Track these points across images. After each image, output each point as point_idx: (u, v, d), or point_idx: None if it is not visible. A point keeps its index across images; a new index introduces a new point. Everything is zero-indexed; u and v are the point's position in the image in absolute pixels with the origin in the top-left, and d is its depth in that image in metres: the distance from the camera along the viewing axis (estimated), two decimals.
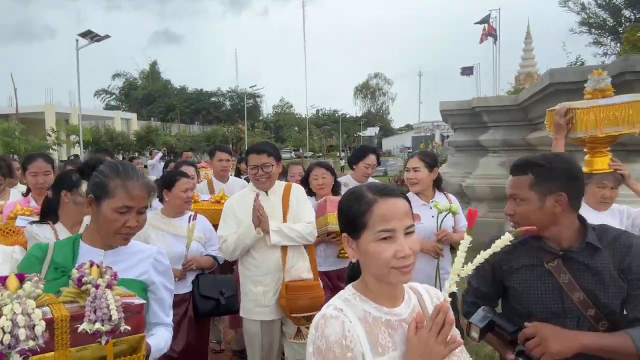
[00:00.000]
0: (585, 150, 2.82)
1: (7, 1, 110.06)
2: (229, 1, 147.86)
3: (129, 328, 1.35)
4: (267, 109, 72.34)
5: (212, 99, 61.77)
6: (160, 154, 14.94)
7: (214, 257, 3.27)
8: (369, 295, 1.29)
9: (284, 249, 2.92)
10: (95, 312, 1.30)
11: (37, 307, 1.26)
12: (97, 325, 1.29)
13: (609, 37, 19.87)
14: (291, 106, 73.53)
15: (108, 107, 56.34)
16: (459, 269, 1.27)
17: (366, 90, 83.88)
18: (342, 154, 58.51)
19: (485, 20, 28.03)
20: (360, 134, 62.85)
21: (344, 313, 1.23)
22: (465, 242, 1.30)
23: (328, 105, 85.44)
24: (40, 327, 1.22)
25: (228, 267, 3.76)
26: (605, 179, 2.86)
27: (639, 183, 3.02)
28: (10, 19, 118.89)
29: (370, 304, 1.27)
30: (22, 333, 1.19)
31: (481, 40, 27.85)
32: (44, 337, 1.23)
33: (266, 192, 2.99)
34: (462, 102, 9.24)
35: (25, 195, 3.41)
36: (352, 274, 1.37)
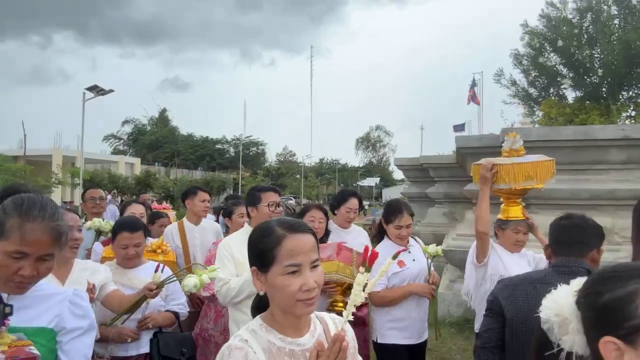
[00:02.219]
0: (501, 199, 3.26)
1: (26, 46, 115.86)
2: (239, 52, 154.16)
3: None
4: (271, 157, 74.33)
5: (217, 146, 63.80)
6: (109, 196, 13.70)
7: (175, 313, 2.98)
8: (275, 326, 1.35)
9: None
10: None
11: None
12: None
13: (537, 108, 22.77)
14: (294, 154, 75.57)
15: (116, 152, 58.35)
16: (356, 298, 1.39)
17: (367, 142, 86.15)
18: None
19: (472, 84, 29.94)
20: (359, 183, 64.21)
21: (248, 344, 1.30)
22: (362, 278, 1.42)
23: (331, 155, 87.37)
24: None
25: (188, 324, 3.56)
26: (519, 225, 3.18)
27: (541, 233, 3.36)
28: (28, 63, 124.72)
29: (275, 334, 1.34)
30: None
31: (468, 102, 29.68)
32: None
33: None
34: (412, 158, 10.41)
35: None
36: (260, 304, 1.43)
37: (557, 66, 20.47)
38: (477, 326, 3.31)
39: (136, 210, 3.95)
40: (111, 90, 18.15)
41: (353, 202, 3.92)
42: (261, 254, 1.33)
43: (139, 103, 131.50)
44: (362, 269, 1.48)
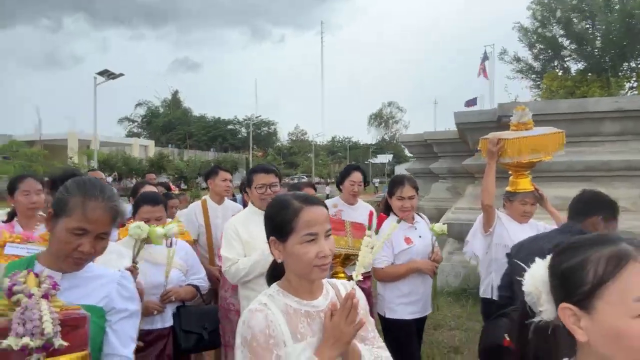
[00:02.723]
0: (510, 172, 3.33)
1: (38, 30, 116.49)
2: (249, 31, 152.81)
3: (65, 344, 1.19)
4: (282, 136, 74.49)
5: (229, 126, 64.14)
6: (109, 179, 13.80)
7: (196, 287, 3.03)
8: (291, 290, 1.46)
9: None
10: (24, 324, 1.15)
11: None
12: (25, 340, 1.14)
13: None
14: (305, 133, 75.62)
15: (130, 134, 59.02)
16: (364, 259, 1.53)
17: (380, 119, 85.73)
18: None
19: (484, 58, 29.49)
20: (371, 160, 64.15)
21: (267, 307, 1.41)
22: (370, 240, 1.57)
23: (343, 133, 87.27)
24: None
25: (210, 296, 3.64)
26: (527, 196, 3.27)
27: (550, 205, 3.48)
28: (40, 48, 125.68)
29: (292, 297, 1.45)
30: None
31: (478, 74, 29.32)
32: None
33: None
34: (416, 134, 10.52)
35: (7, 221, 3.06)
36: (275, 273, 1.55)
37: (559, 38, 20.17)
38: (482, 290, 3.49)
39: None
40: (121, 74, 18.44)
41: (356, 176, 3.95)
42: (280, 225, 1.44)
43: (151, 85, 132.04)
44: (369, 231, 1.57)
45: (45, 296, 1.22)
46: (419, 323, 3.33)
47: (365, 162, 65.65)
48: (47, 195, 3.69)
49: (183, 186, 23.19)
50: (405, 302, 3.20)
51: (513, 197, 3.30)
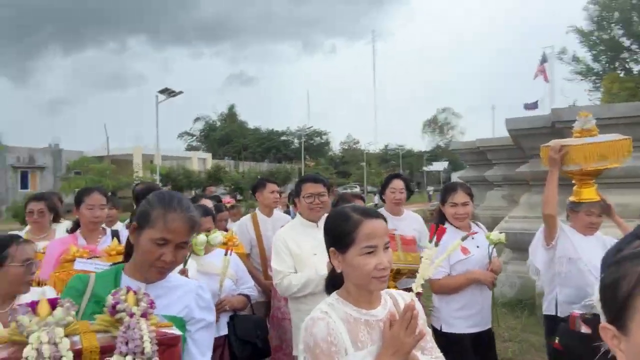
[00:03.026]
0: (573, 181, 3.18)
1: (103, 53, 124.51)
2: (300, 43, 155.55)
3: None
4: (335, 145, 74.92)
5: (282, 137, 65.41)
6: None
7: (247, 296, 3.13)
8: (350, 300, 1.50)
9: None
10: (127, 343, 1.22)
11: (67, 335, 1.20)
12: (129, 359, 1.21)
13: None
14: (357, 142, 75.64)
15: (190, 148, 61.59)
16: (424, 272, 1.52)
17: (434, 125, 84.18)
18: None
19: (543, 59, 28.39)
20: (425, 168, 63.08)
21: (328, 315, 1.45)
22: (430, 252, 1.55)
23: (396, 141, 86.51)
24: (67, 358, 1.16)
25: (261, 308, 3.69)
26: (593, 207, 3.09)
27: (617, 216, 3.28)
28: (107, 69, 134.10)
29: (351, 307, 1.48)
30: None
31: (535, 76, 28.20)
32: None
33: (317, 224, 2.96)
34: (468, 142, 10.36)
35: (71, 231, 3.16)
36: (333, 282, 1.58)
37: (620, 38, 19.07)
38: (545, 306, 3.26)
39: (207, 204, 3.99)
40: (181, 92, 19.50)
41: (397, 183, 3.87)
42: (340, 237, 1.48)
43: (208, 100, 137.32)
44: (430, 244, 1.57)
45: (144, 315, 1.29)
46: (478, 338, 3.12)
47: (420, 170, 64.69)
48: (111, 210, 3.97)
49: (239, 197, 23.90)
50: (463, 316, 3.05)
51: (577, 207, 3.13)
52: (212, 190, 8.04)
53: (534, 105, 36.01)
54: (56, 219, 3.86)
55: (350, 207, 1.56)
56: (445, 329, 3.08)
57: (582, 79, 20.61)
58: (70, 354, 1.16)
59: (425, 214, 15.35)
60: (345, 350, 1.41)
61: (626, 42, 19.15)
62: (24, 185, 33.30)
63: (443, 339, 3.03)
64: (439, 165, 66.80)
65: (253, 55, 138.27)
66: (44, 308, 1.22)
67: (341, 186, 50.26)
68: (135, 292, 1.35)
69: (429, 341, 1.59)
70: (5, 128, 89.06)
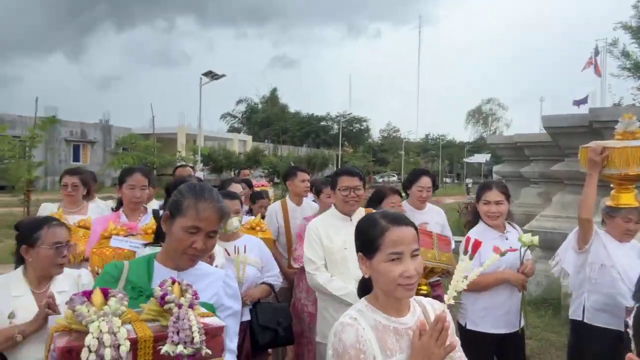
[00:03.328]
0: (612, 185, 3.09)
1: (152, 31, 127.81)
2: (345, 27, 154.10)
3: (209, 352, 1.32)
4: (375, 132, 74.41)
5: (322, 123, 65.56)
6: (200, 173, 13.38)
7: (270, 285, 3.15)
8: (379, 306, 1.49)
9: None
10: (178, 333, 1.27)
11: (122, 324, 1.24)
12: (180, 348, 1.26)
13: None
14: (397, 130, 74.86)
15: (232, 129, 62.80)
16: (457, 284, 1.50)
17: (478, 116, 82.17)
18: (447, 180, 58.17)
19: (595, 52, 27.16)
20: (466, 160, 61.82)
21: (358, 322, 1.44)
22: (464, 265, 1.54)
23: (438, 131, 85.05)
24: (125, 347, 1.20)
25: (285, 294, 3.71)
26: (631, 213, 2.98)
27: None
28: (155, 47, 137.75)
29: (380, 314, 1.48)
30: (107, 353, 1.17)
31: (583, 68, 27.05)
32: (128, 358, 1.21)
33: (350, 218, 2.99)
34: (507, 137, 10.25)
35: (115, 209, 3.26)
36: (364, 287, 1.58)
37: None
38: (571, 310, 3.20)
39: (236, 190, 3.95)
40: (223, 75, 20.03)
41: (424, 181, 3.82)
42: (367, 243, 1.50)
43: (251, 81, 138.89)
44: (464, 256, 1.57)
45: (191, 306, 1.35)
46: (504, 340, 3.09)
47: (460, 162, 63.50)
48: (152, 189, 4.10)
49: (276, 180, 24.40)
50: (490, 316, 3.03)
51: (615, 212, 3.02)
52: (246, 173, 7.95)
53: (584, 101, 34.49)
54: (88, 196, 3.91)
55: (380, 213, 1.59)
56: (469, 327, 3.07)
57: (629, 76, 19.60)
58: (128, 343, 1.21)
59: (459, 207, 15.33)
60: (373, 358, 1.41)
61: None
62: (76, 158, 35.08)
63: (468, 336, 3.04)
64: (481, 158, 65.17)
65: (297, 38, 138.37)
66: (98, 298, 1.28)
67: (378, 174, 50.28)
68: (179, 283, 1.40)
69: (458, 350, 1.58)
70: (60, 103, 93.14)
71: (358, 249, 1.56)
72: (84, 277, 2.30)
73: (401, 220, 1.52)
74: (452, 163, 63.86)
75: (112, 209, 3.32)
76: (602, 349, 2.93)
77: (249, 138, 46.95)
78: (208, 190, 1.67)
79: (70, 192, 3.73)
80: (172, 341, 1.27)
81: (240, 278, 2.91)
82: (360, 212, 2.98)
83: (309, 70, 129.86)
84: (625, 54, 20.95)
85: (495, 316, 3.03)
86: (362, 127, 68.03)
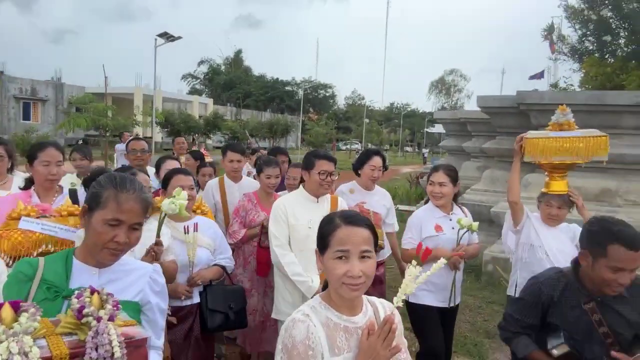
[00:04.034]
0: (546, 173, 3.24)
1: None
2: None
3: None
4: (340, 99, 74.27)
5: (287, 88, 64.81)
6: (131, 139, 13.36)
7: (223, 267, 3.05)
8: (332, 304, 1.51)
9: None
10: (97, 349, 1.22)
11: (34, 339, 1.18)
12: None
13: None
14: (362, 98, 75.03)
15: (193, 91, 61.09)
16: (406, 288, 1.51)
17: (441, 86, 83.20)
18: (409, 149, 59.18)
19: (551, 28, 27.76)
20: (427, 130, 62.94)
21: (309, 318, 1.47)
22: (414, 270, 1.53)
23: (402, 100, 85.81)
24: None
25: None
26: (552, 199, 3.16)
27: (588, 212, 3.28)
28: (112, 0, 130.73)
29: (333, 311, 1.50)
30: None
31: (552, 50, 27.72)
32: None
33: (317, 200, 3.10)
34: (452, 112, 10.64)
35: (24, 188, 2.88)
36: (327, 284, 1.58)
37: (610, 20, 18.69)
38: (508, 286, 3.42)
39: (171, 166, 3.65)
40: (179, 37, 19.44)
41: (376, 160, 3.85)
42: (320, 238, 1.54)
43: (215, 42, 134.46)
44: (414, 262, 1.58)
45: (111, 318, 1.29)
46: (447, 314, 3.31)
47: (420, 131, 64.58)
48: (82, 160, 4.13)
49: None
50: (428, 289, 3.21)
51: (542, 197, 3.25)
52: (181, 141, 7.11)
53: (540, 75, 35.43)
54: (10, 169, 3.46)
55: (339, 212, 1.63)
56: (411, 300, 3.21)
57: (565, 60, 20.52)
58: None
59: (410, 177, 15.83)
60: (322, 355, 1.44)
61: (614, 24, 18.80)
62: (26, 116, 33.62)
63: (412, 310, 3.28)
64: (441, 128, 66.43)
65: None
66: (7, 313, 1.19)
67: (341, 142, 50.55)
68: (99, 292, 1.34)
69: (404, 351, 1.60)
70: (8, 57, 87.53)
71: (316, 244, 1.59)
72: None
73: (355, 220, 1.52)
74: (413, 132, 64.82)
75: (20, 188, 2.93)
76: None
77: (209, 101, 45.91)
78: (130, 181, 1.60)
79: None
80: (91, 358, 1.22)
81: (191, 258, 2.85)
82: (327, 197, 3.14)
83: (275, 31, 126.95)
84: (561, 38, 21.84)
85: (433, 290, 3.23)
86: (327, 94, 67.77)
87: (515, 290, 3.22)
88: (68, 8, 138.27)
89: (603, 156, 3.09)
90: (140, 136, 14.26)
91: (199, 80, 68.80)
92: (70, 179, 3.49)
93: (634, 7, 16.64)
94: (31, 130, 25.48)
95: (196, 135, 28.08)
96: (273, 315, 3.11)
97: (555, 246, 3.11)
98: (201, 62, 68.55)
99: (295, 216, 3.01)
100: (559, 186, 3.17)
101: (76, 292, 1.35)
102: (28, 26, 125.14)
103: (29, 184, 2.90)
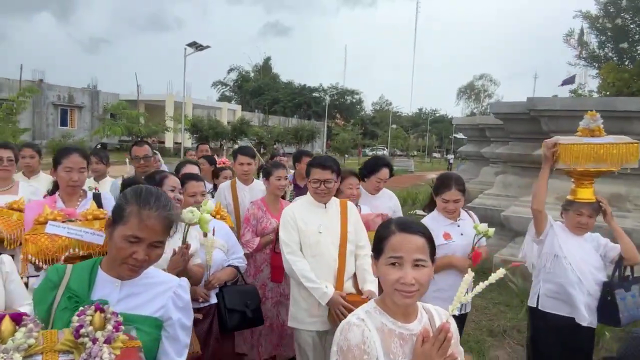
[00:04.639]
0: (572, 180, 3.15)
1: None
2: None
3: None
4: (368, 105, 74.38)
5: (314, 94, 65.37)
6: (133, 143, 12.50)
7: (236, 267, 3.14)
8: (387, 310, 1.51)
9: (342, 259, 2.97)
10: None
11: (29, 356, 1.18)
12: None
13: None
14: (390, 103, 74.87)
15: (223, 98, 62.38)
16: (461, 296, 1.50)
17: (470, 91, 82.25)
18: (437, 155, 58.69)
19: (581, 33, 27.27)
20: (455, 135, 62.28)
21: (365, 323, 1.48)
22: (468, 277, 1.52)
23: (432, 105, 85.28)
24: None
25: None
26: (583, 207, 3.07)
27: (615, 222, 3.20)
28: (145, 9, 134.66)
29: (387, 317, 1.50)
30: None
31: (579, 54, 27.22)
32: None
33: (325, 205, 3.07)
34: (470, 118, 10.74)
35: (50, 193, 2.94)
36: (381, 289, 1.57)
37: (628, 26, 18.30)
38: (529, 297, 3.32)
39: (191, 171, 3.74)
40: (208, 47, 20.08)
41: (384, 173, 3.89)
42: (376, 244, 1.55)
43: (244, 50, 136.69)
44: (471, 271, 1.58)
45: (108, 340, 1.26)
46: (457, 321, 3.25)
47: (449, 137, 63.96)
48: (98, 165, 4.23)
49: (263, 151, 24.85)
50: (441, 297, 3.11)
51: (569, 206, 3.15)
52: (205, 148, 7.03)
53: (571, 80, 34.75)
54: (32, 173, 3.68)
55: (397, 219, 1.62)
56: None
57: (585, 65, 20.13)
58: None
59: (433, 182, 15.86)
60: (376, 359, 1.45)
61: (635, 30, 18.43)
62: (64, 122, 35.14)
63: None
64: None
65: (290, 4, 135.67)
66: (7, 327, 1.19)
67: (368, 147, 50.58)
68: (103, 311, 1.32)
69: None
70: (47, 64, 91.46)
71: (372, 249, 1.60)
72: (7, 265, 2.02)
73: (410, 227, 1.52)
74: (441, 138, 64.26)
75: (48, 192, 3.01)
76: (555, 333, 3.14)
77: (238, 107, 46.84)
78: (156, 196, 1.55)
79: (6, 167, 3.48)
80: None
81: (209, 261, 2.93)
82: (335, 202, 3.10)
83: (303, 38, 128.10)
84: (582, 44, 21.53)
85: (445, 297, 3.11)
86: (354, 100, 67.95)
87: (538, 301, 3.20)
88: (103, 18, 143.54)
89: (633, 163, 3.02)
90: (149, 139, 14.53)
91: (228, 88, 70.15)
92: (87, 183, 3.50)
93: None
94: (68, 136, 26.73)
95: (224, 141, 28.76)
96: (289, 324, 3.09)
97: (579, 256, 3.08)
98: (231, 70, 70.03)
99: (304, 221, 2.99)
100: (586, 194, 3.09)
101: (80, 309, 1.33)
102: (66, 36, 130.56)
103: (54, 188, 2.93)
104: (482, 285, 1.52)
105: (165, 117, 23.78)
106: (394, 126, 50.97)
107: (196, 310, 2.77)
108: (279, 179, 3.83)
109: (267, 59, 72.27)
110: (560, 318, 3.11)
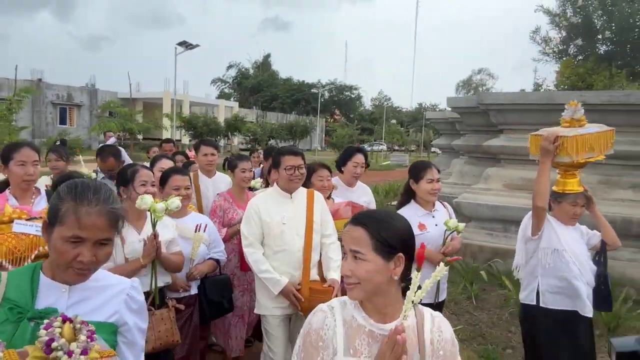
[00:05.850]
0: (557, 172, 3.10)
1: None
2: None
3: None
4: (367, 101, 74.57)
5: (313, 90, 65.64)
6: (113, 139, 13.01)
7: (217, 260, 3.30)
8: (363, 305, 1.48)
9: (308, 249, 3.03)
10: None
11: None
12: None
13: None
14: (389, 99, 75.12)
15: (222, 95, 62.73)
16: (410, 298, 1.43)
17: (469, 86, 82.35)
18: (438, 150, 58.84)
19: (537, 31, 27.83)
20: None
21: (333, 311, 1.48)
22: (415, 279, 1.45)
23: (431, 100, 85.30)
24: None
25: None
26: (578, 197, 3.06)
27: (598, 209, 3.25)
28: (145, 6, 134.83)
29: (361, 312, 1.47)
30: None
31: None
32: None
33: (291, 195, 3.11)
34: (441, 112, 11.17)
35: None
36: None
37: (587, 23, 18.64)
38: (523, 295, 3.24)
39: (165, 165, 3.76)
40: (197, 45, 20.50)
41: (359, 157, 3.97)
42: (410, 246, 1.49)
43: (243, 46, 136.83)
44: (415, 271, 1.49)
45: (84, 352, 1.19)
46: (434, 309, 3.40)
47: None
48: (57, 162, 4.07)
49: (257, 147, 25.31)
50: None
51: (562, 198, 3.10)
52: (169, 147, 6.54)
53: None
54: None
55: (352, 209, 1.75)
56: None
57: (547, 61, 20.61)
58: None
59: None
60: (333, 349, 1.43)
61: (599, 25, 18.75)
62: (63, 121, 35.65)
63: None
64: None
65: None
66: None
67: (365, 143, 50.84)
68: (71, 321, 1.22)
69: None
70: (46, 63, 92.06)
71: (399, 250, 1.49)
72: None
73: (355, 218, 1.51)
74: (440, 133, 64.34)
75: None
76: (559, 328, 3.08)
77: (235, 104, 47.16)
78: (94, 190, 1.38)
79: None
80: None
81: (193, 255, 3.11)
82: (302, 192, 3.16)
83: (302, 33, 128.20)
84: (545, 40, 22.07)
85: None
86: (353, 96, 68.13)
87: (537, 298, 3.10)
88: (102, 17, 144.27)
89: (611, 150, 3.08)
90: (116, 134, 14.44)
91: (227, 84, 70.45)
92: (45, 181, 3.45)
93: (620, 7, 16.74)
94: (66, 134, 27.21)
95: (218, 137, 29.19)
96: (256, 311, 3.18)
97: (575, 248, 3.10)
98: (230, 67, 70.31)
99: (268, 213, 3.04)
100: (574, 185, 3.07)
101: (45, 321, 1.22)
102: (64, 35, 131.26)
103: (3, 186, 2.77)
104: (428, 283, 1.50)
105: (163, 113, 24.20)
106: (394, 121, 51.01)
107: (177, 301, 2.95)
108: (244, 171, 3.97)
109: (267, 56, 72.53)
110: (563, 312, 3.06)
